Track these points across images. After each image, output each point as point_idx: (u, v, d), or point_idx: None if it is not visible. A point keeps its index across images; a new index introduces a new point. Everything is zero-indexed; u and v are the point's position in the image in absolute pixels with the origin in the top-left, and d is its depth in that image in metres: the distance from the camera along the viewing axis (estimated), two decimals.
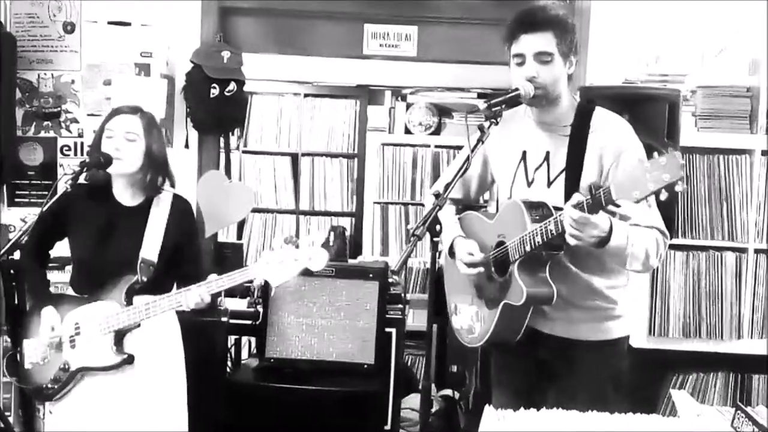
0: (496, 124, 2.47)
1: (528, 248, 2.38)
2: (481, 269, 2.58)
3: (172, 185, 3.01)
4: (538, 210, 2.43)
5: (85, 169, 2.81)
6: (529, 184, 2.60)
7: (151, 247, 2.87)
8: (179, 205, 2.98)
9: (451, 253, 2.71)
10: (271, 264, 2.63)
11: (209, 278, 2.77)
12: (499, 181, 2.74)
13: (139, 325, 2.80)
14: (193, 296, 2.70)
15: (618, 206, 2.11)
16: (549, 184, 2.55)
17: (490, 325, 2.56)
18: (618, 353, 2.63)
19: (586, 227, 2.22)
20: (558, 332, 2.57)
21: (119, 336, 2.80)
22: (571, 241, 2.26)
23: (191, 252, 3.01)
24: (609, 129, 2.50)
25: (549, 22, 2.46)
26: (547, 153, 2.57)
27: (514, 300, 2.45)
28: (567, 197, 2.44)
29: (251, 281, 2.74)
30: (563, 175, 2.51)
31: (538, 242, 2.35)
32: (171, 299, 2.73)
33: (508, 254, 2.48)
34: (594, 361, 2.56)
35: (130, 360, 2.80)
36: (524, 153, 2.62)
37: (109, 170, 2.84)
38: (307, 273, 2.65)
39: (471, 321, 2.69)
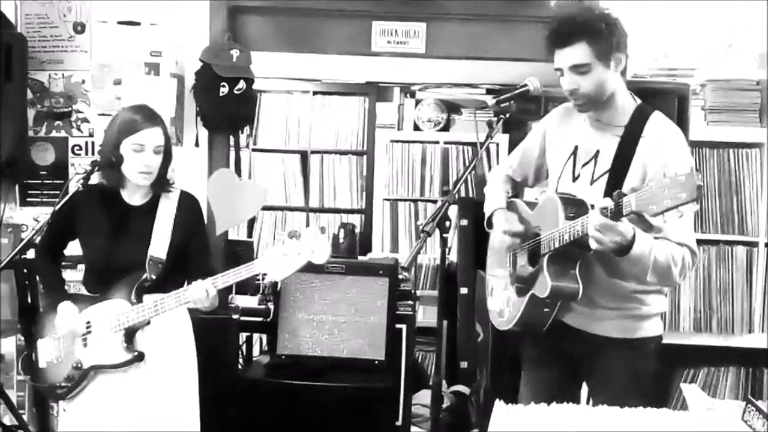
0: (506, 120, 2.48)
1: (557, 244, 2.40)
2: (518, 240, 2.61)
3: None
4: (575, 207, 2.43)
5: (96, 169, 2.83)
6: (575, 179, 2.60)
7: (159, 245, 2.88)
8: (186, 201, 2.99)
9: (489, 224, 2.74)
10: (275, 258, 2.64)
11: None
12: (551, 173, 2.75)
13: (149, 323, 2.81)
14: (199, 293, 2.71)
15: (638, 214, 2.11)
16: (592, 182, 2.55)
17: (517, 313, 2.60)
18: (646, 352, 2.60)
19: (608, 233, 2.22)
20: (586, 327, 2.58)
21: (130, 334, 2.81)
22: (593, 245, 2.26)
23: (199, 248, 3.01)
24: (661, 138, 2.47)
25: (579, 32, 2.43)
26: (597, 151, 2.56)
27: (539, 292, 2.48)
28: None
29: (264, 276, 2.74)
30: (606, 176, 2.51)
31: (566, 240, 2.37)
32: (178, 296, 2.74)
33: (540, 247, 2.50)
34: (621, 358, 2.55)
35: (140, 357, 2.82)
36: (576, 148, 2.62)
37: (138, 183, 2.86)
38: (312, 267, 2.65)
39: (502, 305, 2.73)
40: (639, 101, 2.59)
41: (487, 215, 2.77)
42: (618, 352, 2.56)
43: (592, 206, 2.42)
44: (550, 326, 2.56)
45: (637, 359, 2.58)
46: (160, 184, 2.93)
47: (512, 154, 2.92)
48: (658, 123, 2.52)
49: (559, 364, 2.66)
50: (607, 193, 2.46)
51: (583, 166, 2.59)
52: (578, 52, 2.44)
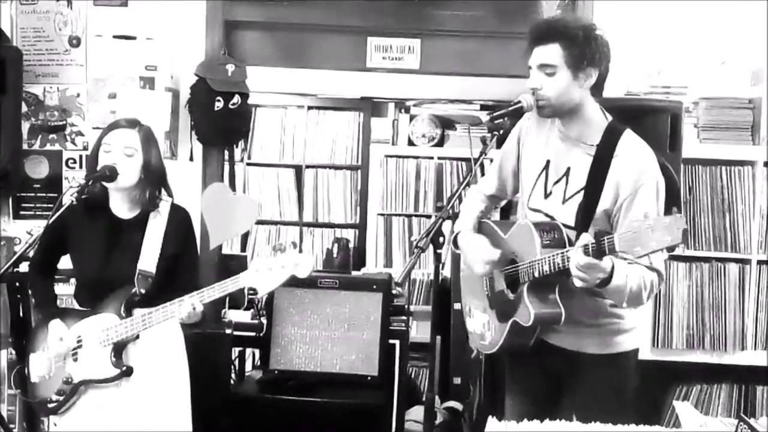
0: (500, 136, 2.48)
1: (537, 274, 2.39)
2: (493, 268, 2.58)
3: (170, 196, 3.01)
4: (550, 234, 2.44)
5: (90, 182, 2.82)
6: (546, 196, 2.59)
7: (148, 259, 2.87)
8: (177, 214, 2.97)
9: (456, 243, 2.70)
10: (260, 272, 2.63)
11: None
12: (523, 185, 2.72)
13: (137, 337, 2.80)
14: (185, 307, 2.69)
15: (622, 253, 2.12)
16: (564, 200, 2.54)
17: (500, 338, 2.58)
18: (625, 366, 2.61)
19: (592, 271, 2.22)
20: (566, 345, 2.57)
21: (118, 348, 2.80)
22: (578, 284, 2.26)
23: (189, 261, 3.00)
24: (633, 157, 2.45)
25: (554, 33, 2.44)
26: (568, 169, 2.54)
27: (523, 320, 2.46)
28: (578, 218, 2.46)
29: (255, 292, 2.74)
30: (579, 195, 2.49)
31: (546, 271, 2.36)
32: (165, 310, 2.73)
33: (518, 273, 2.49)
34: (601, 373, 2.55)
35: (128, 372, 2.80)
36: (548, 163, 2.60)
37: (106, 184, 2.84)
38: (305, 282, 2.65)
39: (483, 328, 2.71)
40: (610, 118, 2.56)
41: (454, 234, 2.71)
42: (599, 368, 2.55)
43: (565, 225, 2.44)
44: (532, 344, 2.55)
45: (617, 374, 2.58)
46: (150, 200, 2.91)
47: (490, 168, 2.86)
48: (631, 142, 2.50)
49: (542, 380, 2.65)
50: (579, 213, 2.47)
51: (555, 183, 2.57)
52: (549, 53, 2.44)
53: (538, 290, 2.44)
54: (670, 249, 2.05)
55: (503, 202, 2.95)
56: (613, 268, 2.25)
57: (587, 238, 2.21)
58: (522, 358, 2.67)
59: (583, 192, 2.49)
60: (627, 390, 2.62)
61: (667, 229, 2.00)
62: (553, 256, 2.33)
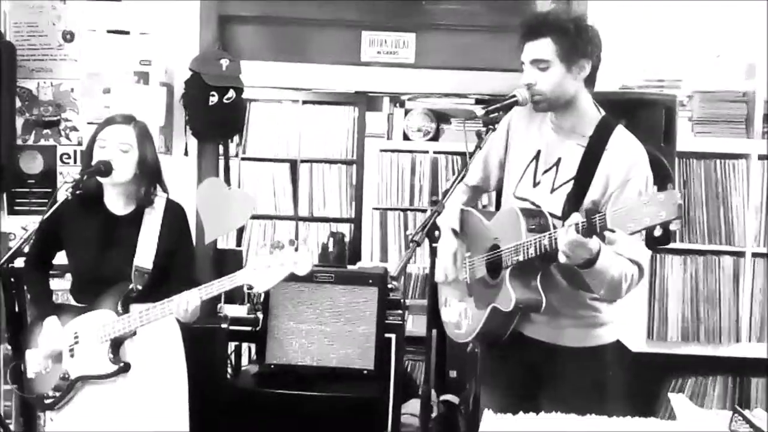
0: (494, 130, 2.47)
1: (521, 258, 2.39)
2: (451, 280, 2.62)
3: (165, 191, 3.01)
4: (535, 219, 2.43)
5: (85, 177, 2.82)
6: (535, 185, 2.59)
7: (144, 255, 2.87)
8: (172, 209, 2.98)
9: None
10: (259, 269, 2.64)
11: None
12: (510, 176, 2.70)
13: (135, 333, 2.80)
14: (182, 303, 2.70)
15: (613, 231, 2.10)
16: (552, 190, 2.54)
17: (477, 325, 2.57)
18: (603, 360, 2.60)
19: (579, 249, 2.22)
20: (542, 337, 2.57)
21: (116, 344, 2.80)
22: (562, 259, 2.26)
23: (185, 256, 3.00)
24: (624, 153, 2.46)
25: (545, 28, 2.44)
26: (559, 159, 2.55)
27: (503, 305, 2.45)
28: (566, 208, 2.45)
29: (251, 288, 2.74)
30: (568, 185, 2.50)
31: (531, 254, 2.35)
32: (163, 307, 2.73)
33: (501, 259, 2.49)
34: (578, 367, 2.54)
35: (125, 368, 2.81)
36: (538, 153, 2.60)
37: (101, 179, 2.84)
38: (301, 276, 2.65)
39: (459, 317, 2.69)
40: (603, 112, 2.57)
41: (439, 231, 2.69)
42: (576, 361, 2.55)
43: (551, 214, 2.44)
44: (508, 336, 2.55)
45: (595, 367, 2.58)
46: (145, 195, 2.90)
47: (475, 159, 2.74)
48: (623, 137, 2.51)
49: (519, 373, 2.64)
50: (567, 203, 2.46)
51: (545, 172, 2.57)
52: (541, 48, 2.44)
53: (520, 276, 2.43)
54: (666, 232, 2.02)
55: (485, 196, 2.95)
56: (599, 250, 2.25)
57: (578, 217, 2.20)
58: (498, 351, 2.67)
59: (572, 182, 2.49)
60: (607, 383, 2.60)
61: (662, 204, 1.97)
62: (539, 238, 2.33)
